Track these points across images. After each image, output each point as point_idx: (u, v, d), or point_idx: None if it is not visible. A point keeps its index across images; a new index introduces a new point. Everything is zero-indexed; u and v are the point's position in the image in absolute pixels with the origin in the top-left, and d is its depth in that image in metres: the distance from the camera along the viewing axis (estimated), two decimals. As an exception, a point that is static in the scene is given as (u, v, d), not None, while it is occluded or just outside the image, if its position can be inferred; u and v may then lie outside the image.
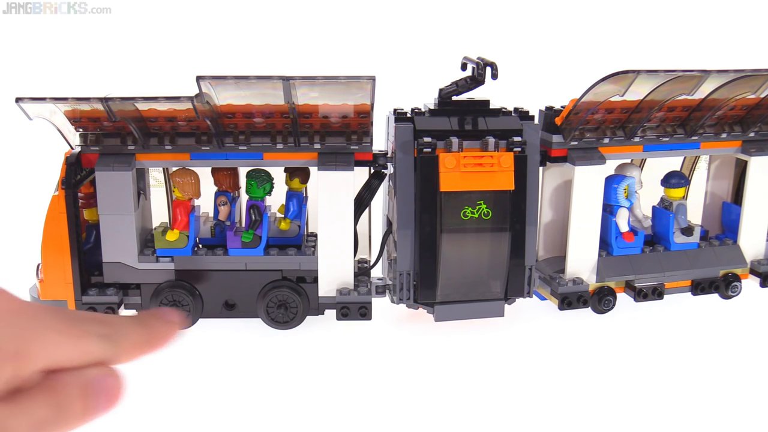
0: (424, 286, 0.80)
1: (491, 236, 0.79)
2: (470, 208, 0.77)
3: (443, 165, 0.76)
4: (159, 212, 0.89)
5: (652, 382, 0.74)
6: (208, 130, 0.77)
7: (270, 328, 0.82)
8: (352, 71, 0.71)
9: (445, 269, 0.79)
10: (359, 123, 0.79)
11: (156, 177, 0.88)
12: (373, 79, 0.71)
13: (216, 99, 0.73)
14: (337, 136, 0.80)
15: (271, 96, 0.73)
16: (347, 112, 0.77)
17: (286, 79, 0.70)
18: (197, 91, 0.71)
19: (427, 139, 0.77)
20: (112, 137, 0.78)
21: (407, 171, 0.79)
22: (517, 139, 0.78)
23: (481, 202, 0.77)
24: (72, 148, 0.80)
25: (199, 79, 0.69)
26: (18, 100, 0.72)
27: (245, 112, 0.76)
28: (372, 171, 0.84)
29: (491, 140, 0.77)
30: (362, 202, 0.83)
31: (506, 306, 0.85)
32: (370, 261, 0.89)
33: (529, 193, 0.80)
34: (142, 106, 0.74)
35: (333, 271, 0.81)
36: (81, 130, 0.78)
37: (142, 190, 0.84)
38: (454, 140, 0.77)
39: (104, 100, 0.71)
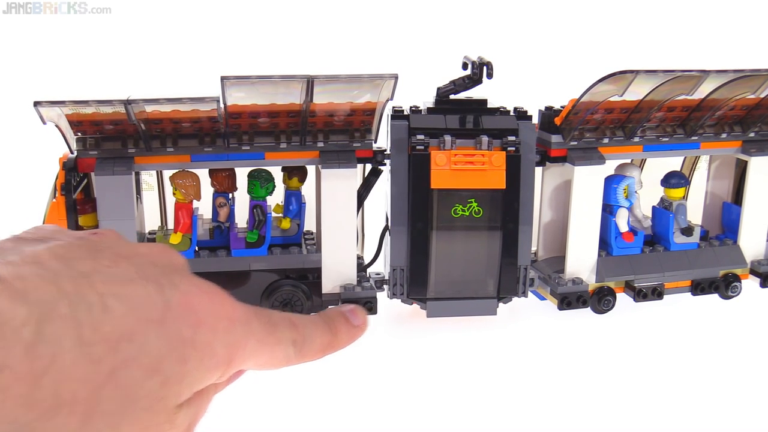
0: (415, 282, 0.81)
1: (483, 234, 0.79)
2: (461, 206, 0.78)
3: (434, 162, 0.77)
4: (149, 216, 0.89)
5: (652, 382, 0.74)
6: (212, 131, 0.77)
7: None
8: (347, 70, 0.71)
9: (437, 266, 0.80)
10: (362, 120, 0.79)
11: (147, 180, 0.87)
12: (395, 77, 0.72)
13: (227, 99, 0.73)
14: (340, 134, 0.80)
15: (281, 96, 0.73)
16: (357, 110, 0.77)
17: (309, 79, 0.70)
18: (214, 92, 0.70)
19: (420, 137, 0.77)
20: (112, 141, 0.78)
21: (401, 168, 0.79)
22: (511, 138, 0.78)
23: (472, 200, 0.78)
24: (72, 153, 0.79)
25: (223, 79, 0.69)
26: (36, 104, 0.70)
27: (253, 112, 0.76)
28: (370, 168, 0.84)
29: (485, 139, 0.77)
30: (359, 198, 0.84)
31: (505, 305, 0.85)
32: (363, 257, 0.89)
33: (523, 193, 0.80)
34: (163, 108, 0.73)
35: (336, 268, 0.81)
36: (79, 134, 0.77)
37: (138, 194, 0.84)
38: (447, 138, 0.77)
39: (127, 103, 0.71)
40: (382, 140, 0.84)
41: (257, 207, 0.82)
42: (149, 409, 0.32)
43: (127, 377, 0.31)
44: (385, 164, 0.83)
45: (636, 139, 0.87)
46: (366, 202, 0.87)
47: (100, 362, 0.31)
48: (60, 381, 0.30)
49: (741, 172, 0.96)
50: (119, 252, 0.35)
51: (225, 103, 0.73)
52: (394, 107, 0.81)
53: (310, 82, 0.71)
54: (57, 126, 0.76)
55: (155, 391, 0.32)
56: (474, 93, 0.82)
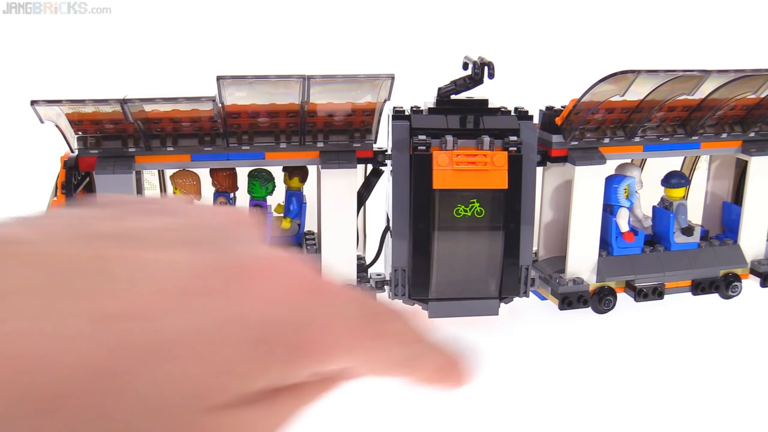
0: (417, 282, 0.81)
1: (484, 235, 0.79)
2: (463, 207, 0.78)
3: (436, 163, 0.77)
4: None
5: (653, 381, 0.74)
6: (212, 130, 0.77)
7: None
8: (347, 70, 0.71)
9: (439, 267, 0.80)
10: (362, 121, 0.79)
11: (149, 180, 0.87)
12: (392, 77, 0.72)
13: (226, 99, 0.73)
14: (340, 134, 0.80)
15: (280, 96, 0.73)
16: (356, 110, 0.77)
17: (305, 78, 0.70)
18: (214, 91, 0.70)
19: (422, 137, 0.77)
20: (112, 140, 0.78)
21: (402, 169, 0.79)
22: (512, 138, 0.78)
23: (474, 200, 0.78)
24: (73, 151, 0.79)
25: (219, 79, 0.69)
26: (33, 103, 0.70)
27: (252, 111, 0.76)
28: (371, 168, 0.84)
29: (486, 139, 0.77)
30: (360, 198, 0.84)
31: (506, 305, 0.85)
32: (364, 257, 0.89)
33: (525, 193, 0.80)
34: (162, 107, 0.73)
35: (336, 268, 0.81)
36: (80, 133, 0.77)
37: (139, 192, 0.84)
38: (449, 138, 0.77)
39: (123, 102, 0.71)
40: (382, 140, 0.84)
41: (257, 207, 0.82)
42: (159, 411, 0.21)
43: (128, 366, 0.21)
44: (386, 164, 0.83)
45: (636, 139, 0.87)
46: (367, 203, 0.87)
47: (97, 347, 0.21)
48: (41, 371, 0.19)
49: (741, 172, 0.96)
50: (175, 214, 0.26)
51: (223, 103, 0.72)
52: (395, 107, 0.81)
53: (306, 82, 0.71)
54: (56, 125, 0.76)
55: (169, 386, 0.21)
56: (475, 93, 0.82)
